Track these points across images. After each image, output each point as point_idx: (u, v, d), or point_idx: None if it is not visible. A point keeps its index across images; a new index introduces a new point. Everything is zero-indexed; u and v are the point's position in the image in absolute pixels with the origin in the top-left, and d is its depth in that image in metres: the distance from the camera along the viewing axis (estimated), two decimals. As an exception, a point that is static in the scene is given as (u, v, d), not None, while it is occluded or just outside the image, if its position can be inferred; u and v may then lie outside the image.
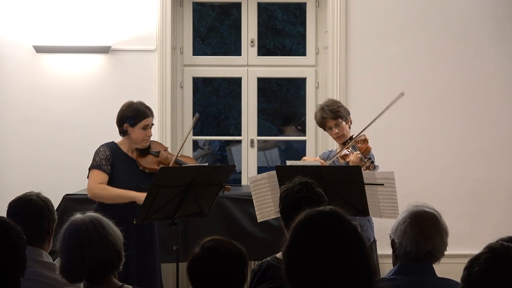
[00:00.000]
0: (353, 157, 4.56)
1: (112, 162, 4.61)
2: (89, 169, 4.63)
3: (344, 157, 4.70)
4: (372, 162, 4.54)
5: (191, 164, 4.88)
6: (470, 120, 6.12)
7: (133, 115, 4.63)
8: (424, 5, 6.08)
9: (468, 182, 6.10)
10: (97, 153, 4.65)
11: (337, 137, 4.81)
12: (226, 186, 4.57)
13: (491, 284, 2.27)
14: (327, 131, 4.86)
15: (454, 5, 6.09)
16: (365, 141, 4.71)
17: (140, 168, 4.69)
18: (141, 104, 4.70)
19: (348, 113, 4.85)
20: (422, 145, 6.10)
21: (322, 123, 4.83)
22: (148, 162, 4.72)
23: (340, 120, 4.77)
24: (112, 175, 4.61)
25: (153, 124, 4.72)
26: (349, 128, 4.83)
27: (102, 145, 4.70)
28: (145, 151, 4.73)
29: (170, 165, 4.65)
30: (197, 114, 5.09)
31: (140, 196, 4.44)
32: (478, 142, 6.11)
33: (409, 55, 6.09)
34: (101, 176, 4.58)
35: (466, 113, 6.12)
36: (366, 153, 4.63)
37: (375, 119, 4.72)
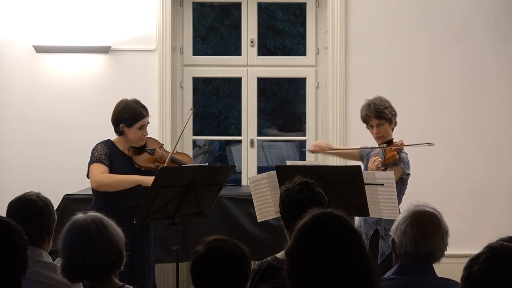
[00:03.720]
0: (371, 163, 4.59)
1: (110, 159, 4.60)
2: (89, 165, 4.60)
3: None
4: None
5: (187, 161, 4.88)
6: (470, 120, 6.12)
7: (129, 117, 4.59)
8: (424, 5, 6.08)
9: (468, 182, 6.10)
10: (95, 149, 4.62)
11: (376, 137, 4.80)
12: (224, 184, 4.57)
13: (491, 284, 2.28)
14: (368, 129, 4.84)
15: (454, 5, 6.09)
16: (397, 149, 4.67)
17: (136, 166, 4.66)
18: (137, 103, 4.66)
19: (394, 115, 4.79)
20: (422, 145, 6.10)
21: (365, 119, 4.80)
22: (143, 160, 4.69)
23: (384, 121, 4.74)
24: (110, 171, 4.59)
25: (148, 123, 4.69)
26: (392, 130, 4.79)
27: (99, 143, 4.67)
28: (140, 149, 4.71)
29: (166, 163, 4.62)
30: (193, 108, 5.12)
31: (145, 179, 4.46)
32: (478, 142, 6.11)
33: (409, 55, 6.09)
34: (102, 168, 4.56)
35: (466, 113, 6.12)
36: (390, 161, 4.62)
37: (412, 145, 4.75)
